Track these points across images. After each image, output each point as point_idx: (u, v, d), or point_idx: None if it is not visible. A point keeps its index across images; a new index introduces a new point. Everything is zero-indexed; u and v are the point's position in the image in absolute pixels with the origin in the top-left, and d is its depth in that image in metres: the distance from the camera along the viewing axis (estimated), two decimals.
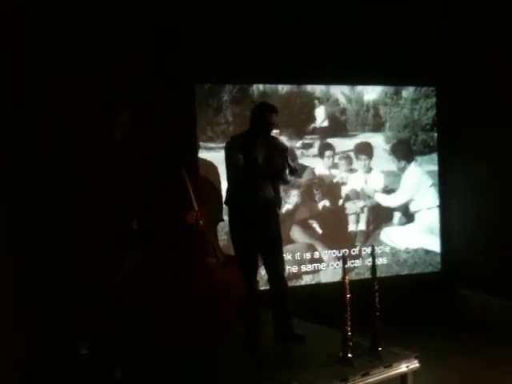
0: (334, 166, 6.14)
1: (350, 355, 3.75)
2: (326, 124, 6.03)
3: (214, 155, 5.58)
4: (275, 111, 4.16)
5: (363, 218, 6.25)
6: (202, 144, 5.59)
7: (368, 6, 5.80)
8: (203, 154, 5.56)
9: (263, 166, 4.14)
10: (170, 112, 4.29)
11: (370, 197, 6.27)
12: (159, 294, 3.79)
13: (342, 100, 6.18)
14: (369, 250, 5.79)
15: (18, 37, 4.49)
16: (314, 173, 6.03)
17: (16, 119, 4.47)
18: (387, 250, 6.32)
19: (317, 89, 6.07)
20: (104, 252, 4.00)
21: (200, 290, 3.80)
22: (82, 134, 4.60)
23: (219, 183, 4.74)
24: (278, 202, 4.33)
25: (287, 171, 4.19)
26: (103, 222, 4.09)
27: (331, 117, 6.12)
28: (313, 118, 6.02)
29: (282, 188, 4.56)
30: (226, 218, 4.30)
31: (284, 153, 4.15)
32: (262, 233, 4.18)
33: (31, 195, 4.53)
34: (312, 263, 6.01)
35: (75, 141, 4.62)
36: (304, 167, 5.96)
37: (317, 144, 6.05)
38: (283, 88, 5.94)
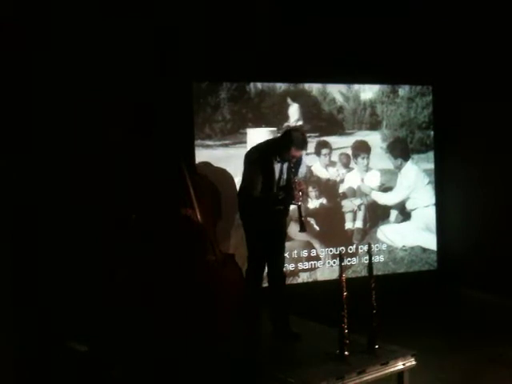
0: (331, 164, 6.15)
1: (346, 353, 3.76)
2: (300, 122, 6.00)
3: (211, 153, 5.59)
4: (304, 147, 4.27)
5: (360, 215, 6.27)
6: (199, 142, 5.59)
7: (365, 6, 5.81)
8: (200, 152, 5.56)
9: (280, 185, 4.25)
10: (169, 110, 4.29)
11: (366, 195, 6.29)
12: (158, 292, 3.79)
13: (339, 98, 6.19)
14: (366, 247, 5.81)
15: (18, 37, 4.49)
16: (311, 171, 6.04)
17: (16, 119, 4.46)
18: (384, 247, 6.34)
19: (314, 87, 6.08)
20: (103, 248, 4.01)
21: (199, 287, 3.80)
22: (82, 133, 4.62)
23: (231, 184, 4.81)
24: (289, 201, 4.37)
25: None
26: (103, 216, 4.10)
27: (328, 115, 6.14)
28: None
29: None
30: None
31: (294, 199, 4.16)
32: (275, 232, 4.27)
33: (30, 194, 4.53)
34: (309, 261, 6.02)
35: (74, 140, 4.63)
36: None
37: (314, 142, 6.06)
38: (280, 86, 5.94)
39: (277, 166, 4.22)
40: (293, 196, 4.11)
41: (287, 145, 4.15)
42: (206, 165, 5.47)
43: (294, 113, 5.94)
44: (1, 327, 3.86)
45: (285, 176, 4.24)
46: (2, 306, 3.90)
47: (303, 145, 4.24)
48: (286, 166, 4.23)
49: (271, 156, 4.20)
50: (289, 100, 5.92)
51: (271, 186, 4.21)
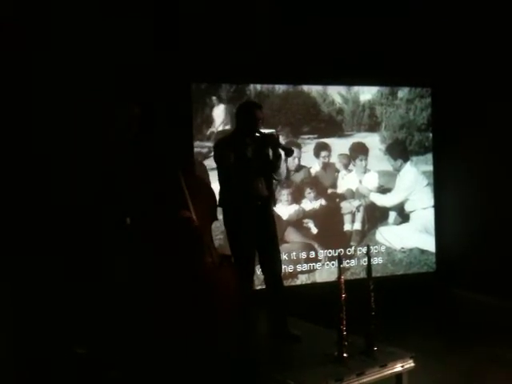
0: (330, 165, 6.15)
1: (345, 355, 3.75)
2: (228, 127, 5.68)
3: (209, 154, 5.58)
4: (260, 107, 4.18)
5: (359, 217, 6.27)
6: (197, 143, 5.59)
7: (364, 8, 5.81)
8: (198, 153, 5.56)
9: (255, 163, 4.14)
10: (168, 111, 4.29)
11: (365, 196, 6.29)
12: (155, 294, 3.79)
13: (339, 100, 6.19)
14: (364, 249, 5.82)
15: (17, 37, 4.49)
16: (309, 172, 6.04)
17: (15, 118, 4.46)
18: (382, 249, 6.34)
19: (313, 89, 6.08)
20: (100, 250, 4.00)
21: (195, 290, 3.80)
22: (79, 133, 4.61)
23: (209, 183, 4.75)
24: (272, 199, 4.32)
25: (282, 155, 4.14)
26: (98, 218, 4.09)
27: (327, 117, 6.15)
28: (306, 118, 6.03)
29: (278, 187, 4.55)
30: (220, 217, 4.30)
31: (274, 140, 4.11)
32: (258, 231, 4.18)
33: (29, 194, 4.53)
34: (307, 263, 6.02)
35: (72, 140, 4.63)
36: (300, 167, 5.99)
37: (313, 144, 6.06)
38: (280, 88, 5.94)
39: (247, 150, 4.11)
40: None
41: (245, 112, 4.11)
42: (204, 166, 5.48)
43: (219, 115, 5.72)
44: (1, 327, 3.86)
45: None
46: (2, 306, 3.90)
47: (253, 102, 4.23)
48: (252, 149, 4.13)
49: (226, 146, 4.11)
50: (214, 99, 5.69)
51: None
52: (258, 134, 4.13)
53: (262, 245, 4.22)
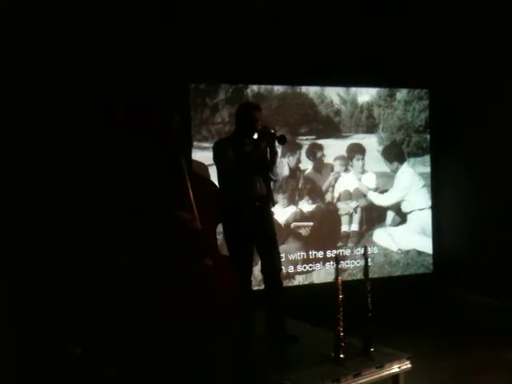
0: (327, 166, 6.16)
1: (342, 356, 3.75)
2: None
3: (209, 155, 5.58)
4: (258, 109, 4.20)
5: (356, 218, 6.28)
6: (196, 144, 5.59)
7: (362, 10, 5.83)
8: (197, 154, 5.56)
9: (253, 163, 4.14)
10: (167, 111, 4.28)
11: (362, 198, 6.30)
12: (154, 295, 3.78)
13: (337, 101, 6.20)
14: (361, 250, 5.81)
15: (17, 37, 4.49)
16: (306, 173, 6.05)
17: (15, 118, 4.47)
18: (380, 250, 6.35)
19: (311, 90, 6.09)
20: (97, 249, 4.00)
21: (196, 292, 3.79)
22: (78, 133, 4.61)
23: None
24: (270, 199, 4.33)
25: (279, 153, 4.16)
26: (97, 218, 4.09)
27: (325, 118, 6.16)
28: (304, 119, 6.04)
29: (275, 188, 4.54)
30: None
31: (268, 133, 4.08)
32: (257, 231, 4.18)
33: (26, 193, 4.53)
34: (305, 264, 6.03)
35: (71, 140, 4.63)
36: (297, 167, 6.00)
37: (310, 145, 6.07)
38: (278, 89, 5.95)
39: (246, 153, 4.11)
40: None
41: (244, 113, 4.12)
42: (202, 167, 5.48)
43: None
44: (1, 327, 3.86)
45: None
46: (2, 306, 3.90)
47: (252, 103, 4.24)
48: (250, 149, 4.12)
49: (225, 146, 4.12)
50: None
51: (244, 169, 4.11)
52: (255, 135, 4.14)
53: (260, 245, 4.23)
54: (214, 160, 4.21)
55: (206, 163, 5.46)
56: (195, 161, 5.50)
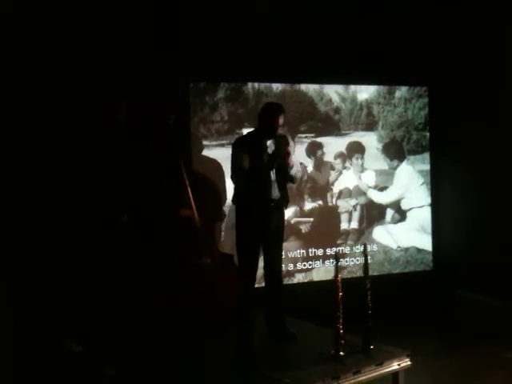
0: (327, 164, 6.16)
1: (341, 353, 3.76)
2: None
3: (208, 153, 5.60)
4: (283, 112, 4.22)
5: (356, 216, 6.28)
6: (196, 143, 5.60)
7: (362, 7, 5.82)
8: (197, 153, 5.57)
9: (269, 166, 4.14)
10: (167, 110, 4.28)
11: (362, 195, 6.30)
12: (153, 293, 3.79)
13: (336, 99, 6.20)
14: (361, 248, 5.82)
15: (17, 36, 4.49)
16: (306, 171, 6.05)
17: (14, 118, 4.47)
18: (379, 248, 6.35)
19: (311, 88, 6.09)
20: (97, 249, 4.00)
21: (194, 289, 3.80)
22: (77, 132, 4.61)
23: (224, 181, 4.71)
24: (284, 201, 4.31)
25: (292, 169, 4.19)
26: (97, 218, 4.09)
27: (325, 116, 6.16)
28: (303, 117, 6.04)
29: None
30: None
31: (286, 148, 4.16)
32: (268, 231, 4.19)
33: (29, 194, 4.54)
34: (304, 261, 6.03)
35: (70, 139, 4.63)
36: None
37: (310, 143, 6.07)
38: (277, 87, 5.95)
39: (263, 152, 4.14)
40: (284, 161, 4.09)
41: (267, 115, 4.15)
42: (202, 165, 5.48)
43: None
44: (1, 327, 3.87)
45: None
46: (2, 307, 3.90)
47: (277, 107, 4.24)
48: (268, 152, 4.14)
49: (244, 147, 4.15)
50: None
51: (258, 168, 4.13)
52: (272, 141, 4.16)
53: (266, 244, 4.24)
54: (231, 158, 4.19)
55: (206, 161, 5.47)
56: (194, 159, 5.50)
